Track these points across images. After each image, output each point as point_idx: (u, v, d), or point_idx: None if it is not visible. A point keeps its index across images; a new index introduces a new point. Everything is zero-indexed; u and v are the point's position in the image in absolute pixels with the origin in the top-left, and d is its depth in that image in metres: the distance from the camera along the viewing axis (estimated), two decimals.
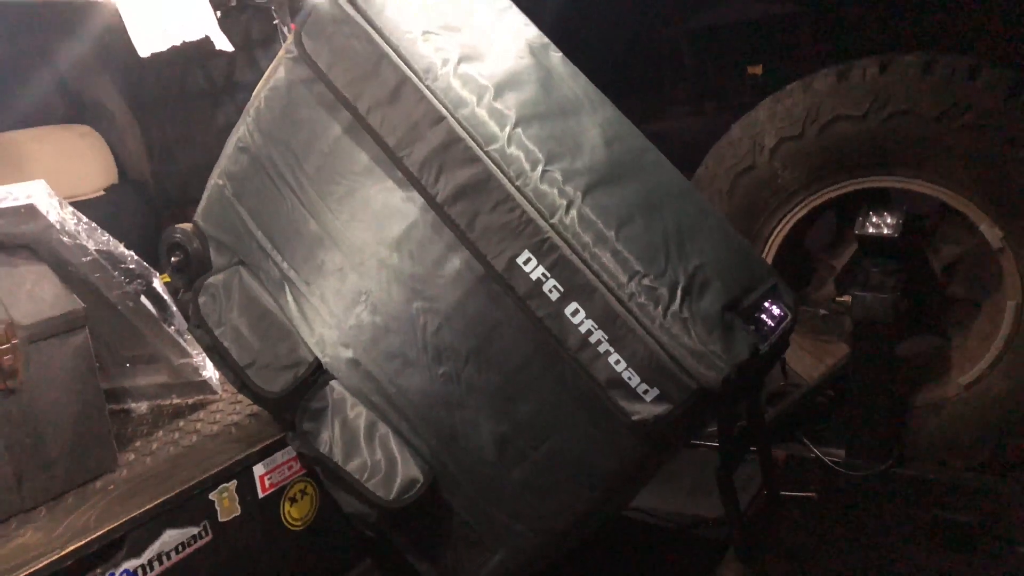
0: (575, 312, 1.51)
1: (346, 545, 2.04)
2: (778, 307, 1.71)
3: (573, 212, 1.53)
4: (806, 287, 2.96)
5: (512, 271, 1.54)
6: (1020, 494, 2.52)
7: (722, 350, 1.48)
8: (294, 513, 1.94)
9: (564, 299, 1.51)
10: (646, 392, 1.49)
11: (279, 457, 1.91)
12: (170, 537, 1.67)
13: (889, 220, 2.57)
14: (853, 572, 2.36)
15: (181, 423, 2.10)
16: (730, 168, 2.74)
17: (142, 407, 2.23)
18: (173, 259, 1.96)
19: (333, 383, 1.79)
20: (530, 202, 1.53)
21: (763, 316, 1.66)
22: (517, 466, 1.66)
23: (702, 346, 1.47)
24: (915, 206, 2.71)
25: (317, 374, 1.79)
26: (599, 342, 1.50)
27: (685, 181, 1.82)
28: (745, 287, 1.64)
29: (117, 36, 2.71)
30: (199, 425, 2.07)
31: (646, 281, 1.51)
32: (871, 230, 2.59)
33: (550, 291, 1.52)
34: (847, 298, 2.67)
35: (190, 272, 1.94)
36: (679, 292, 1.52)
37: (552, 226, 1.52)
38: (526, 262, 1.53)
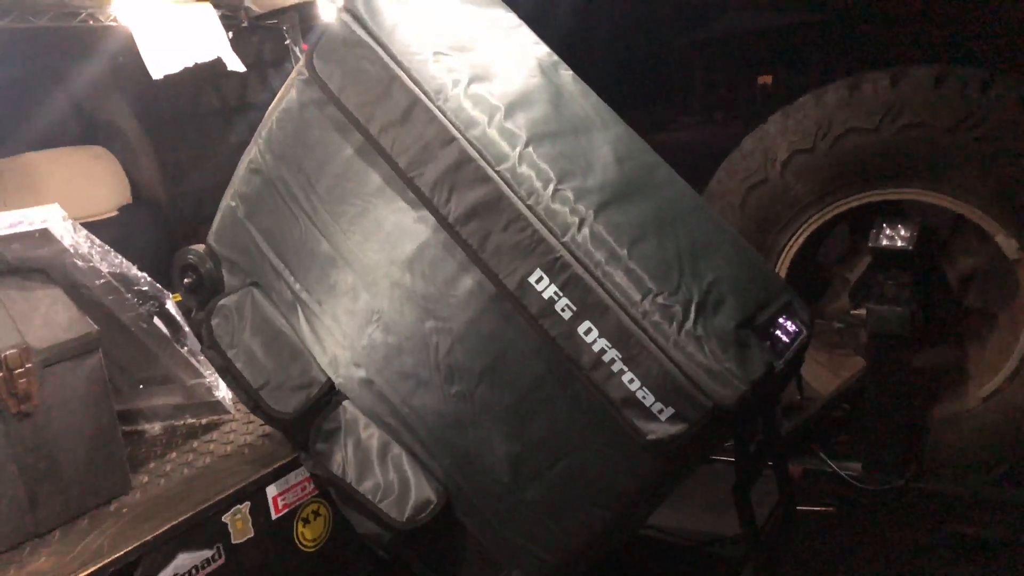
0: (588, 331, 1.50)
1: (359, 566, 2.03)
2: (793, 323, 1.69)
3: (585, 230, 1.52)
4: (820, 300, 2.95)
5: (524, 290, 1.53)
6: None
7: (737, 368, 1.47)
8: (307, 534, 1.93)
9: (577, 318, 1.51)
10: (661, 411, 1.47)
11: (292, 478, 1.90)
12: (183, 560, 1.66)
13: (903, 232, 2.55)
14: None
15: (195, 444, 2.10)
16: (742, 181, 2.74)
17: (155, 428, 2.23)
18: (186, 280, 1.96)
19: (346, 403, 1.79)
20: (542, 221, 1.53)
21: (778, 332, 1.64)
22: (531, 486, 1.65)
23: (717, 364, 1.46)
24: (930, 218, 2.69)
25: (330, 394, 1.79)
26: (613, 361, 1.49)
27: (697, 197, 1.81)
28: (760, 303, 1.63)
29: (130, 58, 2.73)
30: (212, 446, 2.06)
31: (660, 299, 1.50)
32: (885, 243, 2.58)
33: (563, 310, 1.51)
34: (862, 311, 2.65)
35: (203, 293, 1.94)
36: (693, 310, 1.51)
37: (564, 245, 1.52)
38: (538, 281, 1.52)
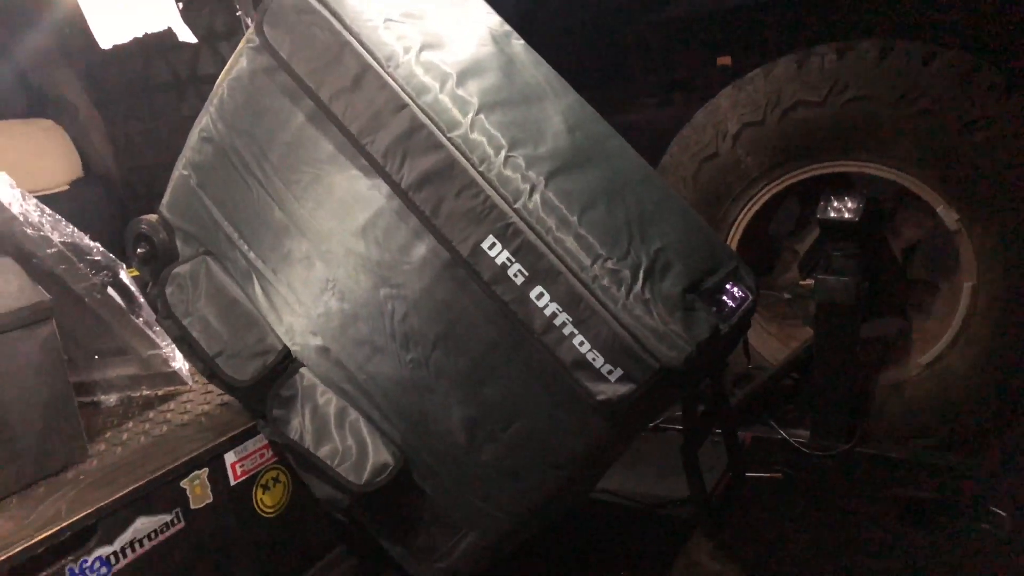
0: (540, 295, 1.54)
1: (320, 531, 2.05)
2: (739, 289, 1.74)
3: (536, 197, 1.55)
4: (771, 272, 3.02)
5: (478, 256, 1.56)
6: (980, 470, 2.59)
7: (683, 330, 1.52)
8: (267, 500, 1.95)
9: (529, 283, 1.54)
10: (610, 372, 1.52)
11: (250, 445, 1.92)
12: (142, 524, 1.67)
13: (850, 204, 2.62)
14: (819, 549, 2.41)
15: (151, 414, 2.10)
16: (694, 155, 2.79)
17: (112, 399, 2.22)
18: (139, 250, 1.95)
19: (303, 371, 1.80)
20: (494, 188, 1.55)
21: (724, 297, 1.69)
22: (486, 448, 1.69)
23: (664, 326, 1.51)
24: (876, 190, 2.76)
25: (286, 362, 1.80)
26: (564, 324, 1.53)
27: (647, 167, 1.85)
28: (707, 269, 1.67)
29: (78, 29, 2.69)
30: (170, 415, 2.07)
31: (609, 264, 1.54)
32: (832, 215, 2.65)
33: (515, 275, 1.54)
34: (810, 282, 2.73)
35: (157, 263, 1.94)
36: (641, 274, 1.55)
37: (516, 211, 1.55)
38: (491, 247, 1.55)
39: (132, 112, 3.40)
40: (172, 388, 2.24)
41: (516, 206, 1.55)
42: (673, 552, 2.24)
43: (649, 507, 2.51)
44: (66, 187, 3.32)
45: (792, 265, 2.97)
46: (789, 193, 2.83)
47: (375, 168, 1.63)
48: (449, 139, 1.56)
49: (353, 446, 1.75)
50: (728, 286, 1.71)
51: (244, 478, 1.91)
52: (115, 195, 3.46)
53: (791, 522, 2.59)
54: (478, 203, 1.56)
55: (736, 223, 2.82)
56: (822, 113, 2.57)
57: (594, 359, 1.52)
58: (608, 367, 1.52)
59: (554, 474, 1.67)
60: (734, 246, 2.82)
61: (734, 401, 2.74)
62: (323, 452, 1.76)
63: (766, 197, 2.78)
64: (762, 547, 2.41)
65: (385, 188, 1.64)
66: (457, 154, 1.56)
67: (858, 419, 2.70)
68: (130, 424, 2.04)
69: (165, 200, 1.94)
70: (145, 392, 2.24)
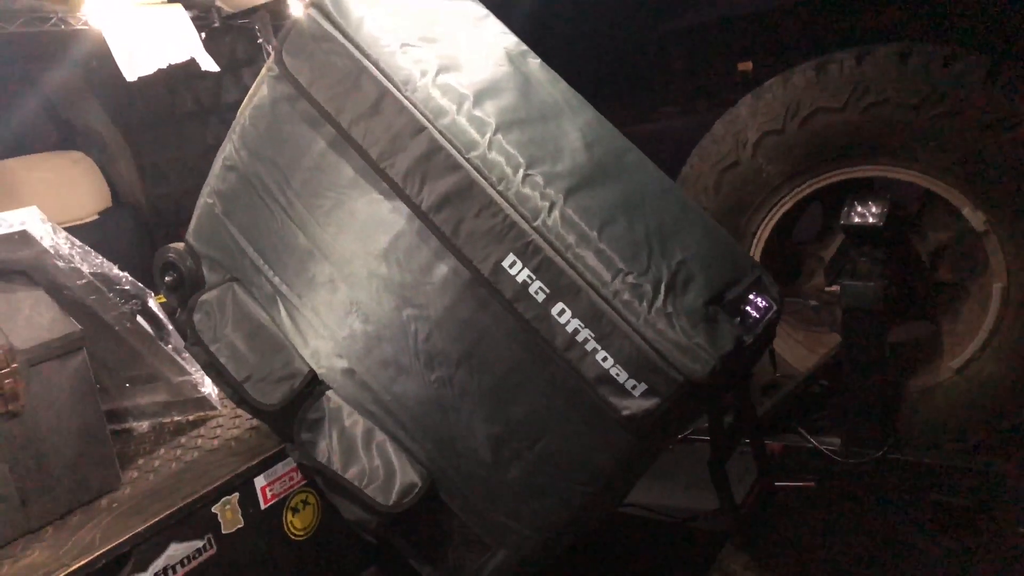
0: (561, 312, 1.54)
1: (350, 553, 2.07)
2: (763, 299, 1.73)
3: (556, 214, 1.56)
4: (796, 279, 2.99)
5: (498, 275, 1.57)
6: (1016, 474, 2.55)
7: (707, 342, 1.51)
8: (297, 523, 1.97)
9: (550, 300, 1.54)
10: (634, 387, 1.52)
11: (280, 468, 1.94)
12: (175, 551, 1.69)
13: (874, 209, 2.60)
14: (854, 558, 2.38)
15: (182, 439, 2.13)
16: (714, 165, 2.78)
17: (143, 426, 2.26)
18: (167, 278, 1.99)
19: (329, 393, 1.82)
20: (513, 206, 1.56)
21: (748, 308, 1.68)
22: (513, 466, 1.69)
23: (687, 339, 1.50)
24: (900, 194, 2.74)
25: (313, 385, 1.82)
26: (586, 340, 1.53)
27: (667, 179, 1.85)
28: (729, 280, 1.67)
29: (104, 61, 2.75)
30: (200, 441, 2.09)
31: (630, 279, 1.54)
32: (856, 220, 2.63)
33: (536, 293, 1.55)
34: (836, 288, 2.71)
35: (184, 291, 1.97)
36: (663, 288, 1.55)
37: (535, 229, 1.55)
38: (511, 265, 1.56)
39: (159, 141, 3.47)
40: (202, 413, 2.27)
41: (535, 224, 1.55)
42: (706, 564, 2.22)
43: (679, 520, 2.49)
44: (96, 216, 3.38)
45: (817, 272, 2.95)
46: (812, 200, 2.81)
47: (395, 191, 1.65)
48: (467, 160, 1.58)
49: (380, 467, 1.76)
50: (751, 296, 1.70)
51: (274, 502, 1.93)
52: (143, 223, 3.52)
53: (825, 531, 2.56)
54: (497, 222, 1.57)
55: (759, 232, 2.81)
56: (842, 119, 2.55)
57: (618, 374, 1.52)
58: (632, 382, 1.51)
59: (581, 490, 1.66)
60: (757, 255, 2.81)
61: (762, 411, 2.73)
62: (351, 474, 1.77)
63: (789, 205, 2.77)
64: (796, 556, 2.39)
65: (405, 210, 1.65)
66: (476, 174, 1.57)
67: (889, 425, 2.67)
68: (161, 451, 2.07)
69: (191, 228, 1.97)
70: (176, 418, 2.27)
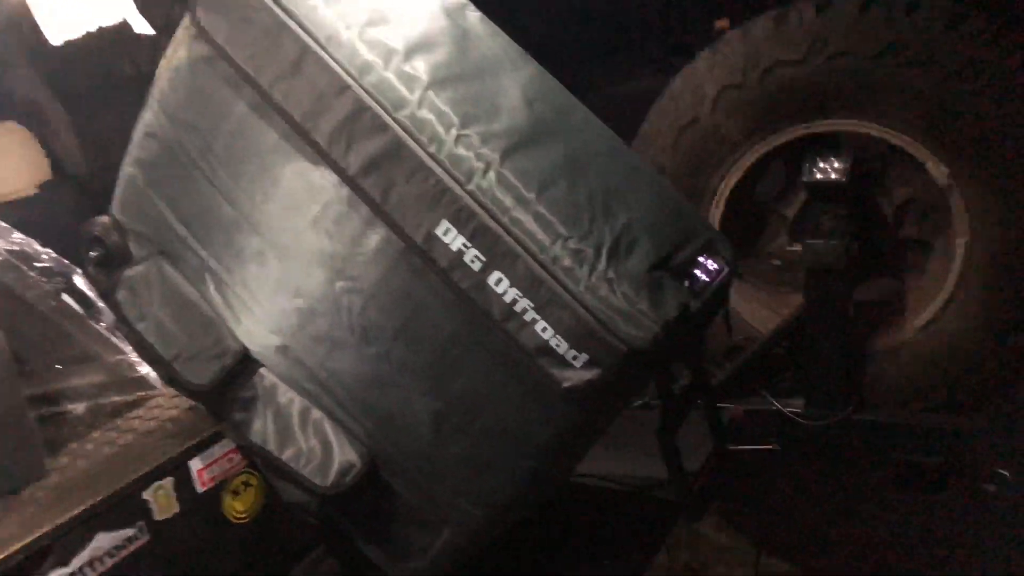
0: (499, 281, 1.46)
1: (297, 534, 1.99)
2: (714, 261, 1.66)
3: (491, 176, 1.47)
4: (759, 239, 2.92)
5: (432, 243, 1.48)
6: (981, 432, 2.52)
7: (650, 308, 1.44)
8: (238, 506, 1.89)
9: (487, 268, 1.46)
10: (575, 358, 1.44)
11: (217, 451, 1.85)
12: (102, 542, 1.61)
13: (837, 165, 2.53)
14: (822, 521, 2.36)
15: (119, 422, 2.03)
16: (673, 122, 2.69)
17: (80, 408, 2.14)
18: (92, 254, 1.88)
19: (263, 371, 1.73)
20: (445, 169, 1.47)
21: (697, 272, 1.61)
22: (454, 442, 1.62)
23: (629, 306, 1.43)
24: (864, 149, 2.67)
25: (245, 363, 1.73)
26: (525, 310, 1.45)
27: (616, 139, 1.76)
28: (677, 243, 1.59)
29: (37, 27, 2.60)
30: (136, 423, 2.00)
31: (571, 244, 1.46)
32: (818, 176, 2.55)
33: (472, 261, 1.47)
34: (799, 247, 2.65)
35: (111, 266, 1.86)
36: (605, 253, 1.47)
37: (470, 193, 1.47)
38: (446, 233, 1.48)
39: (99, 109, 3.31)
40: (142, 393, 2.17)
41: (469, 187, 1.47)
42: (663, 532, 2.18)
43: (636, 489, 2.45)
44: (36, 190, 3.23)
45: (781, 231, 2.88)
46: (774, 156, 2.73)
47: (321, 156, 1.55)
48: (395, 119, 1.48)
49: (318, 447, 1.68)
50: (701, 259, 1.63)
51: (212, 485, 1.84)
52: (88, 194, 3.37)
53: (789, 494, 2.55)
54: (429, 186, 1.48)
55: (720, 190, 2.72)
56: (803, 72, 2.46)
57: (558, 345, 1.45)
58: (572, 352, 1.44)
59: (525, 464, 1.60)
60: (718, 214, 2.73)
61: (723, 374, 2.68)
62: (287, 455, 1.69)
63: (750, 162, 2.68)
64: (764, 521, 2.36)
65: (333, 176, 1.56)
66: (404, 135, 1.48)
67: (854, 385, 2.62)
68: (96, 434, 1.97)
69: (115, 200, 1.87)
70: (115, 399, 2.16)
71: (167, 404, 2.08)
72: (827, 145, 2.61)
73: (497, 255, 1.46)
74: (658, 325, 1.42)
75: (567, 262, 1.45)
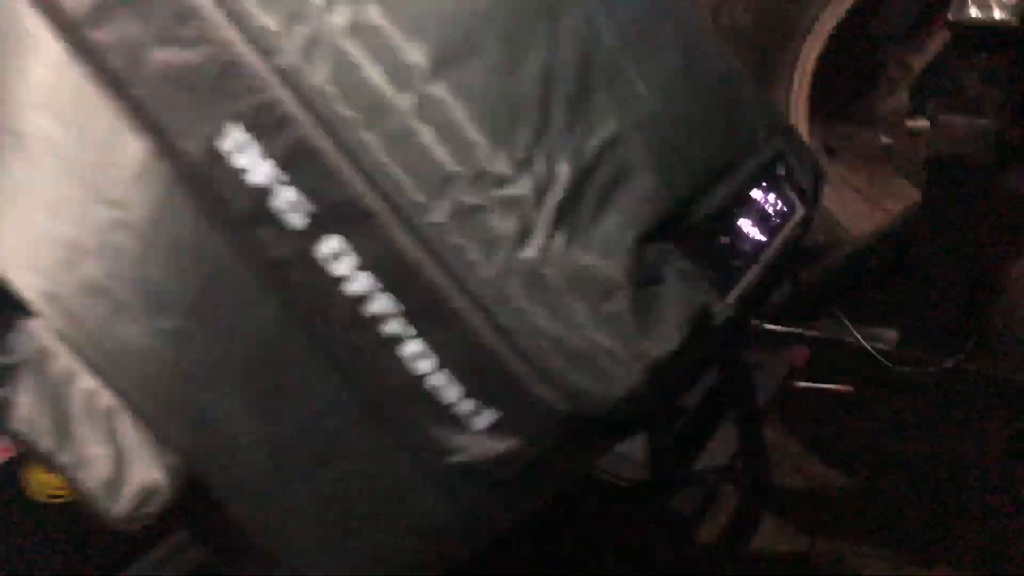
0: (336, 255, 0.75)
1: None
2: (779, 196, 0.92)
3: (330, 35, 0.73)
4: (867, 96, 2.09)
5: (216, 165, 0.77)
6: None
7: (627, 335, 0.72)
8: (53, 482, 1.36)
9: (315, 228, 0.75)
10: (474, 414, 0.75)
11: None
12: None
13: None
14: (911, 495, 1.93)
15: None
16: None
17: None
18: None
19: (34, 324, 1.09)
20: (234, 19, 0.73)
21: (744, 221, 0.88)
22: (299, 486, 0.99)
23: (581, 332, 0.71)
24: None
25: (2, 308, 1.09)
26: (386, 315, 0.75)
27: None
28: (708, 172, 0.85)
29: None
30: None
31: (487, 184, 0.73)
32: (975, 13, 1.69)
33: (288, 209, 0.76)
34: (924, 122, 1.83)
35: None
36: (552, 202, 0.74)
37: (283, 72, 0.73)
38: (239, 148, 0.75)
39: None
40: None
41: (285, 62, 0.73)
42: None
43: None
44: None
45: (900, 87, 2.04)
46: None
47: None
48: None
49: (106, 454, 1.07)
50: (756, 193, 0.89)
51: (5, 459, 1.31)
52: None
53: (861, 451, 2.00)
54: (207, 54, 0.74)
55: (816, 26, 1.87)
56: None
57: (443, 386, 0.75)
58: (469, 404, 0.75)
59: (413, 548, 0.96)
60: (811, 62, 1.89)
61: (790, 290, 1.96)
62: (64, 460, 1.09)
63: None
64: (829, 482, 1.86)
65: (51, 26, 0.83)
66: None
67: (972, 324, 1.89)
68: None
69: None
70: None
71: None
72: None
73: (334, 204, 0.74)
74: (638, 371, 0.71)
75: (471, 224, 0.72)
